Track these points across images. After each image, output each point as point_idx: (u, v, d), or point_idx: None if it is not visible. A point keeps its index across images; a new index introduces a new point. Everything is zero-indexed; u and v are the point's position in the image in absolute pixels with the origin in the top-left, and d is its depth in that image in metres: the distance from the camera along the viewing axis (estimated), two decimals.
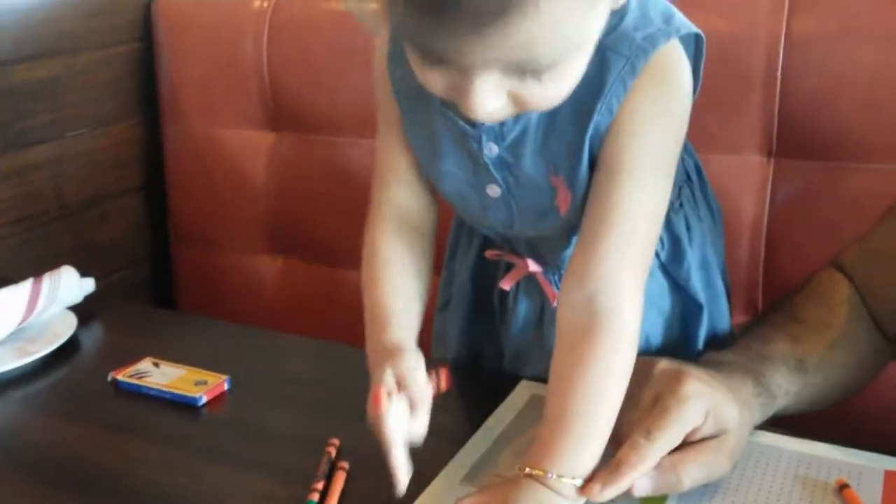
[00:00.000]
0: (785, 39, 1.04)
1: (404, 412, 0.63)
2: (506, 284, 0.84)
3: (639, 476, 0.61)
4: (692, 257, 0.81)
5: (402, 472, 0.62)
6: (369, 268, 0.75)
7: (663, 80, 0.66)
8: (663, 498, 0.65)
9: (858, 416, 0.91)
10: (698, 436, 0.64)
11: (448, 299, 0.93)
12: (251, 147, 1.43)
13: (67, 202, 1.39)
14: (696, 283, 0.81)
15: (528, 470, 0.61)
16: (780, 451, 0.71)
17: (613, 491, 0.61)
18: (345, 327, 0.85)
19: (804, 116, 1.07)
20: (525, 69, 0.55)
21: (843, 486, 0.65)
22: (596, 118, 0.66)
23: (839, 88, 1.04)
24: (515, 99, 0.58)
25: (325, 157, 1.37)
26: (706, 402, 0.64)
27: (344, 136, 1.34)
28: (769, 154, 1.11)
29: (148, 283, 1.57)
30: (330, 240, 1.40)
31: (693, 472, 0.63)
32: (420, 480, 0.67)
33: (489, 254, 0.85)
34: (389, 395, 0.63)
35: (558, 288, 0.80)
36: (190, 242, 1.54)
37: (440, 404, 0.80)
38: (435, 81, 0.58)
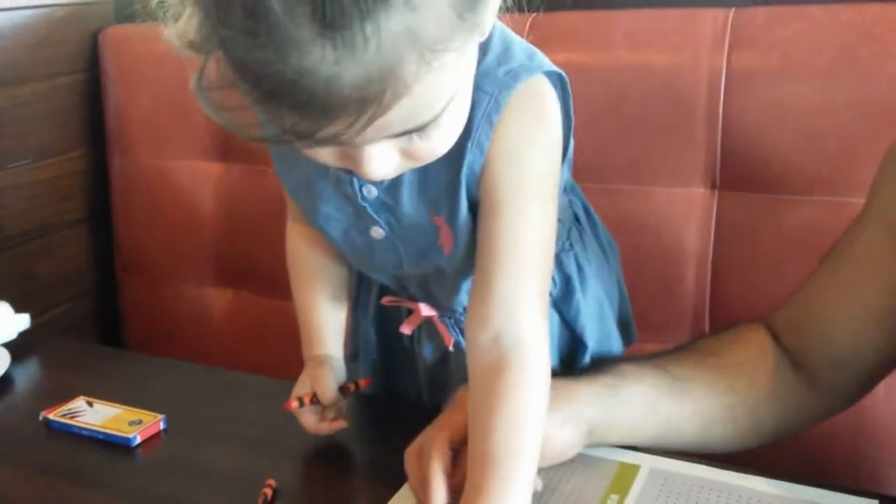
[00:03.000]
0: (726, 73, 1.06)
1: (315, 412, 0.77)
2: (406, 329, 0.84)
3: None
4: (581, 297, 0.81)
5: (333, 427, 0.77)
6: (294, 274, 0.86)
7: (530, 113, 0.66)
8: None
9: (824, 455, 0.92)
10: None
11: (357, 348, 0.93)
12: (199, 178, 1.42)
13: (7, 235, 1.36)
14: (585, 322, 0.82)
15: None
16: (728, 486, 0.70)
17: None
18: (296, 360, 0.84)
19: (746, 149, 1.08)
20: (410, 132, 0.55)
21: None
22: (469, 157, 0.66)
23: (780, 122, 1.06)
24: (407, 154, 0.57)
25: (274, 188, 1.33)
26: None
27: None
28: (713, 186, 1.12)
29: (94, 316, 1.53)
30: (279, 272, 1.36)
31: None
32: None
33: (385, 300, 0.85)
34: (300, 400, 0.76)
35: (454, 331, 0.81)
36: (137, 274, 1.51)
37: (382, 443, 0.80)
38: (323, 155, 0.57)
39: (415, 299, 0.82)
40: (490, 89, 0.64)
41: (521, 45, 0.68)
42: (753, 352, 0.78)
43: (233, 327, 1.46)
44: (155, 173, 1.44)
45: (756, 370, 0.77)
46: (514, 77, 0.65)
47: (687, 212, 1.12)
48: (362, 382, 0.82)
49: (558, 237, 0.73)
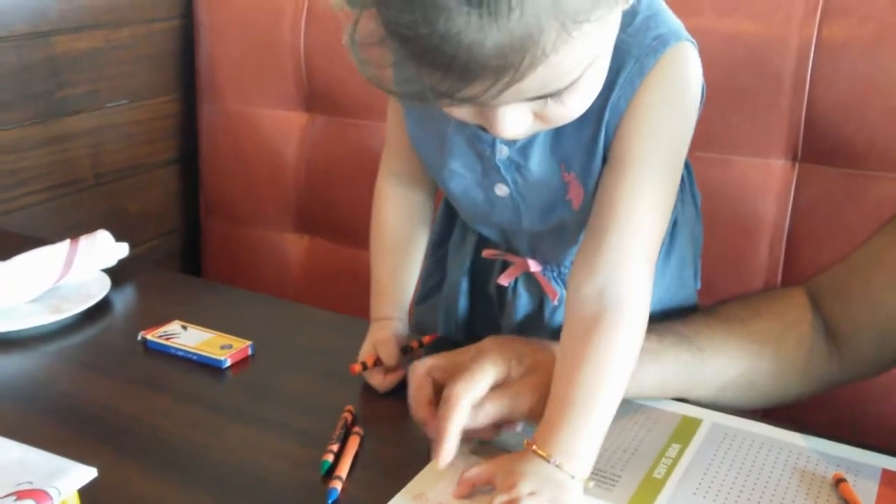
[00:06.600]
0: (816, 45, 1.05)
1: (380, 372, 0.79)
2: (504, 281, 0.86)
3: (458, 423, 0.66)
4: (666, 249, 0.83)
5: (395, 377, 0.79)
6: (377, 242, 0.87)
7: (672, 79, 0.67)
8: (658, 486, 0.67)
9: (862, 414, 0.92)
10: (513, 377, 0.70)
11: (428, 293, 0.96)
12: (284, 127, 1.46)
13: (103, 171, 1.43)
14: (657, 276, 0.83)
15: (534, 448, 0.63)
16: (780, 443, 0.72)
17: (447, 447, 0.65)
18: (366, 308, 0.88)
19: (831, 123, 1.07)
20: (546, 97, 0.57)
21: (839, 481, 0.67)
22: (607, 117, 0.68)
23: (867, 97, 1.04)
24: (540, 117, 0.60)
25: (356, 140, 1.40)
26: (504, 350, 0.70)
27: (375, 121, 1.37)
28: (794, 159, 1.12)
29: (178, 253, 1.61)
30: (356, 222, 1.41)
31: (494, 401, 0.68)
32: (429, 450, 0.70)
33: (486, 253, 0.87)
34: (364, 364, 0.79)
35: (557, 284, 0.83)
36: (220, 217, 1.58)
37: None
38: (460, 112, 0.60)
39: (517, 253, 0.84)
40: (636, 53, 0.66)
41: (669, 12, 0.69)
42: (785, 320, 0.79)
43: (308, 273, 1.51)
44: (241, 120, 1.50)
45: (785, 338, 0.78)
46: (662, 42, 0.66)
47: (765, 183, 1.12)
48: (426, 339, 0.84)
49: None
